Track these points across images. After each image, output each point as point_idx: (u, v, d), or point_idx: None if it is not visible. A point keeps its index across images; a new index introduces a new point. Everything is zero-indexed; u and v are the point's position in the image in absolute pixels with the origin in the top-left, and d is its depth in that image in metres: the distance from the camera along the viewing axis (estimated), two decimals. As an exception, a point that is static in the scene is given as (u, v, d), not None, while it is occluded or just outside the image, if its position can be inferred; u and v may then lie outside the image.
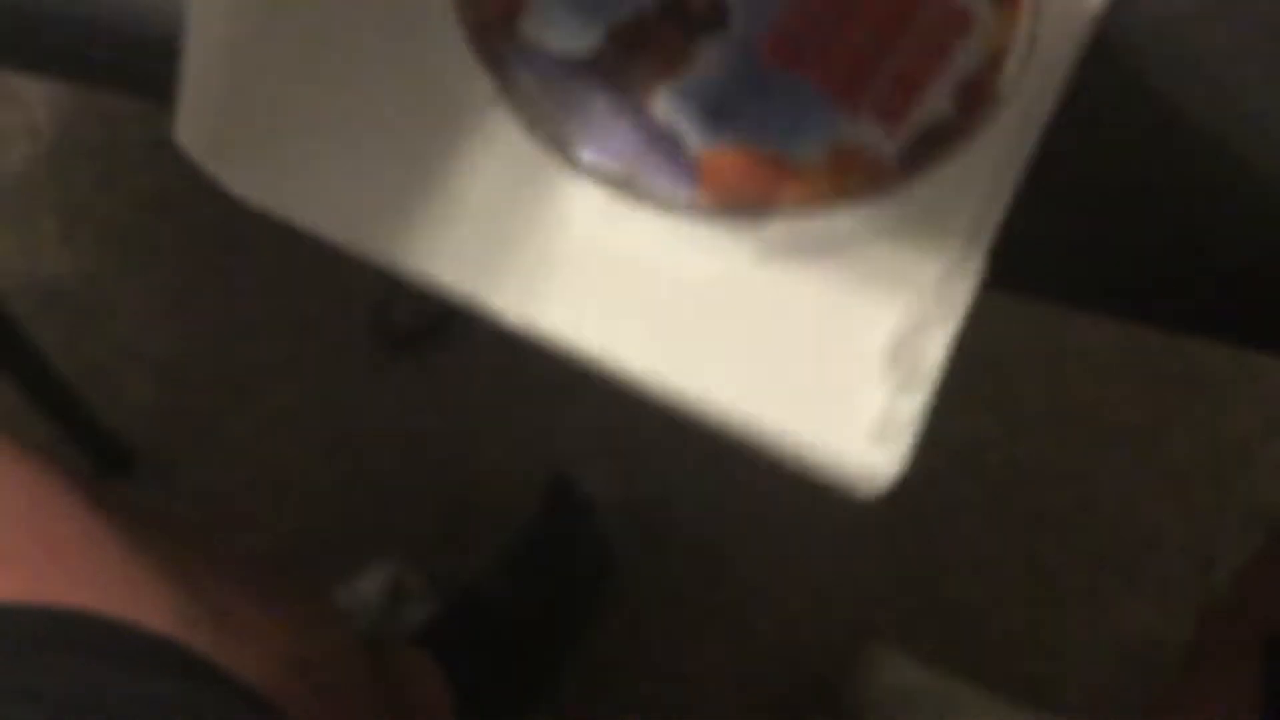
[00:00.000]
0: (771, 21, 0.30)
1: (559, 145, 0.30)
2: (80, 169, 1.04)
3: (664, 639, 0.94)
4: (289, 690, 0.49)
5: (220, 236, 1.01)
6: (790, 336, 0.29)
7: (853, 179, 0.29)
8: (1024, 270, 0.31)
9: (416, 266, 0.29)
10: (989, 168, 0.29)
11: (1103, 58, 0.30)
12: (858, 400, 0.28)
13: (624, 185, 0.29)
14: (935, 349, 0.28)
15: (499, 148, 0.29)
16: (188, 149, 0.29)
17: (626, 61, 0.30)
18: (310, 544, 0.94)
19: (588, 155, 0.30)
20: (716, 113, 0.30)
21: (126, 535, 0.45)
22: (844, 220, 0.29)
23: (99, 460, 0.92)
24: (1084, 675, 0.97)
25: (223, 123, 0.29)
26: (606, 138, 0.29)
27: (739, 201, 0.29)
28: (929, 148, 0.29)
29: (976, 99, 0.29)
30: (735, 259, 0.29)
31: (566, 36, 0.30)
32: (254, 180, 0.29)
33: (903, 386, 0.28)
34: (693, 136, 0.30)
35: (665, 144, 0.29)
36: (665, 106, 0.30)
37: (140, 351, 1.00)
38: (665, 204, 0.29)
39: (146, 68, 0.31)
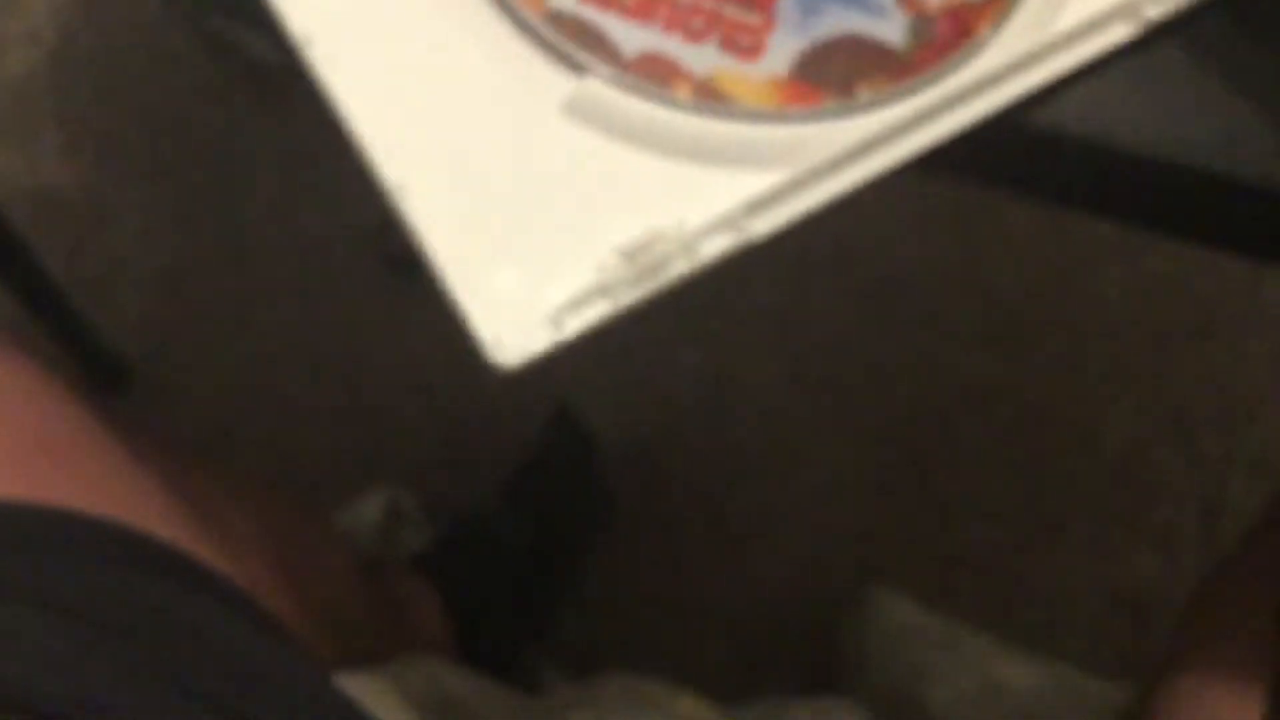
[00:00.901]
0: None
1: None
2: (81, 79, 1.02)
3: (662, 577, 0.94)
4: (287, 604, 0.49)
5: (222, 155, 0.99)
6: (538, 186, 0.28)
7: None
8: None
9: None
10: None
11: None
12: (554, 275, 0.27)
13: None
14: (663, 276, 0.27)
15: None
16: None
17: None
18: (310, 466, 0.93)
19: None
20: None
21: (128, 445, 0.45)
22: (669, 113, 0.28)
23: (97, 376, 0.91)
24: (1083, 623, 0.97)
25: None
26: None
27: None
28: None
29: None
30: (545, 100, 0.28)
31: None
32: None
33: (605, 290, 0.27)
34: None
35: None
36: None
37: (140, 267, 0.98)
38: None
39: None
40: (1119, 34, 0.29)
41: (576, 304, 0.27)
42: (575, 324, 0.27)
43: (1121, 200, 0.33)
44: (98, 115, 1.02)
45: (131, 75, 1.02)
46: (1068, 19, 0.29)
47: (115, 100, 1.02)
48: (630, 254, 0.27)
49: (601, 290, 0.27)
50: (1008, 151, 0.31)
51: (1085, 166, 0.31)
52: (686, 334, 0.98)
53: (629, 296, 0.27)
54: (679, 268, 0.27)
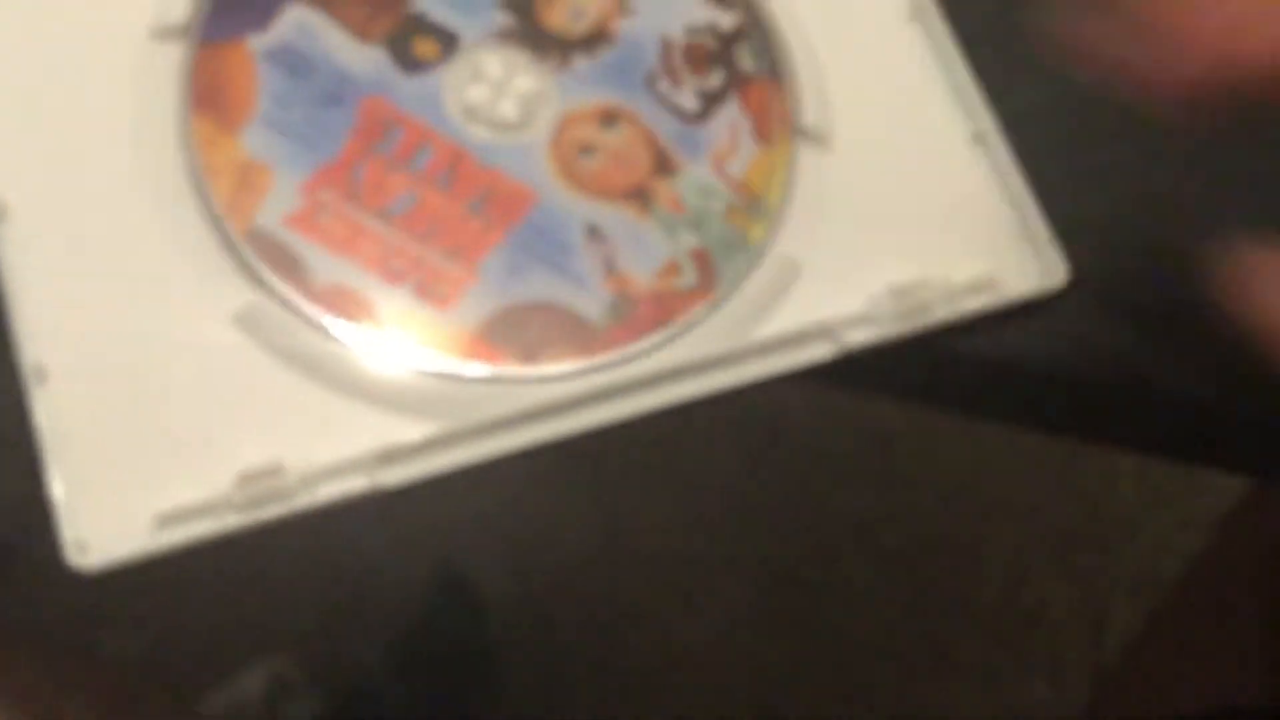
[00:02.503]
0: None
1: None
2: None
3: (558, 727, 0.93)
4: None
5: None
6: (185, 392, 0.28)
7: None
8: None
9: None
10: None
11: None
12: (166, 484, 0.27)
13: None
14: (274, 509, 0.27)
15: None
16: None
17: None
18: (188, 643, 0.92)
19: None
20: None
21: None
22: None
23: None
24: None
25: None
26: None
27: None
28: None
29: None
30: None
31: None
32: None
33: (211, 509, 0.27)
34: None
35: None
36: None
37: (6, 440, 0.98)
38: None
39: None
40: (818, 353, 0.30)
41: (178, 518, 0.27)
42: (172, 538, 0.27)
43: (1053, 418, 0.34)
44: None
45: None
46: (770, 329, 0.30)
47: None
48: (246, 479, 0.27)
49: (207, 509, 0.27)
50: (933, 375, 0.32)
51: (1010, 389, 0.32)
52: (574, 480, 0.99)
53: (234, 521, 0.27)
54: (290, 503, 0.27)
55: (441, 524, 0.96)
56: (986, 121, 0.32)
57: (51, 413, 0.27)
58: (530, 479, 0.97)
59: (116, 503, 0.27)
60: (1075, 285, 0.31)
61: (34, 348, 0.28)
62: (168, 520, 0.27)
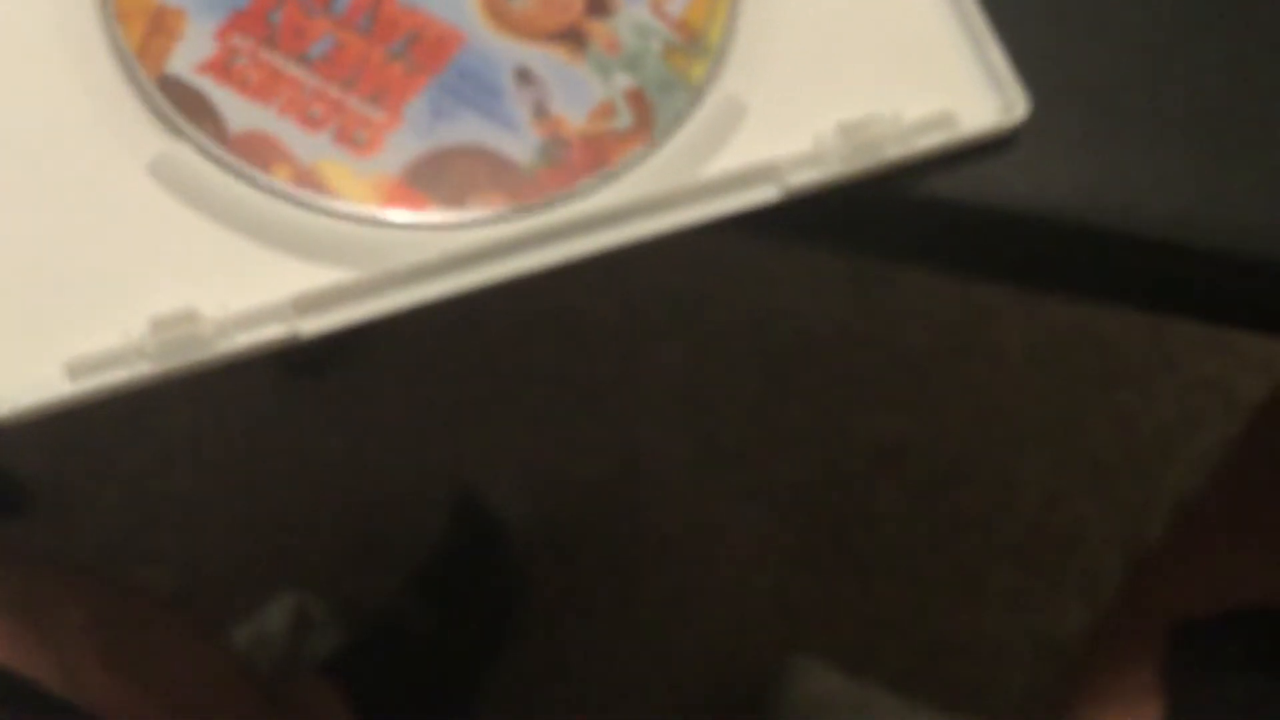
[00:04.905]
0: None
1: None
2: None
3: (581, 656, 0.93)
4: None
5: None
6: (98, 239, 0.27)
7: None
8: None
9: None
10: None
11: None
12: (79, 330, 0.27)
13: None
14: (189, 355, 0.26)
15: None
16: None
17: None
18: (214, 575, 0.93)
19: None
20: None
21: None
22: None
23: (-4, 499, 0.91)
24: (1011, 676, 0.96)
25: None
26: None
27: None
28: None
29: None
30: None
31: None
32: None
33: (122, 357, 0.26)
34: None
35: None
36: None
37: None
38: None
39: None
40: (763, 195, 0.29)
41: (93, 366, 0.26)
42: (84, 386, 0.26)
43: (1015, 264, 0.32)
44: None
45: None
46: (712, 169, 0.29)
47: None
48: (160, 325, 0.26)
49: (119, 357, 0.26)
50: (892, 222, 0.31)
51: (971, 233, 0.31)
52: (591, 410, 0.98)
53: (145, 368, 0.26)
54: (207, 350, 0.26)
55: (461, 456, 0.96)
56: (943, -47, 0.31)
57: None
58: (548, 412, 0.96)
59: (24, 352, 0.26)
60: (1036, 120, 0.29)
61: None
62: (79, 369, 0.26)
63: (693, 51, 0.30)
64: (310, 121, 0.28)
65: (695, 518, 0.97)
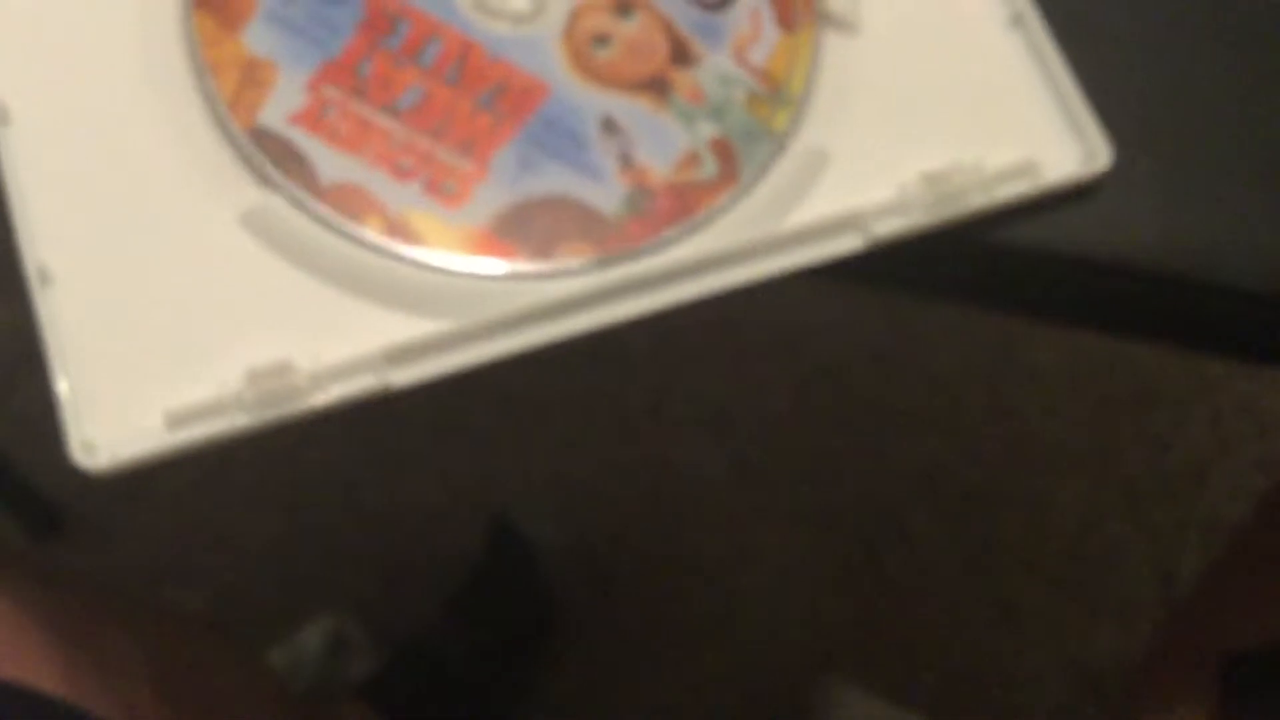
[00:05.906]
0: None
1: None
2: None
3: (615, 683, 0.93)
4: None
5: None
6: (191, 291, 0.28)
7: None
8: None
9: None
10: None
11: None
12: (175, 383, 0.27)
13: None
14: (284, 408, 0.26)
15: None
16: None
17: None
18: (249, 599, 0.93)
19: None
20: None
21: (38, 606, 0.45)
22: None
23: (29, 522, 0.91)
24: (1048, 701, 0.95)
25: None
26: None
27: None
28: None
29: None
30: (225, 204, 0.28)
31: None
32: None
33: (220, 408, 0.26)
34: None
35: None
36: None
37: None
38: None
39: None
40: (847, 244, 0.29)
41: (191, 416, 0.26)
42: (182, 437, 0.26)
43: (1094, 311, 0.32)
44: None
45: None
46: (796, 218, 0.29)
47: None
48: (256, 377, 0.26)
49: (216, 408, 0.26)
50: (971, 269, 0.31)
51: (1050, 281, 0.31)
52: (625, 433, 0.98)
53: (243, 420, 0.26)
54: (301, 403, 0.26)
55: (496, 479, 0.96)
56: (1023, 2, 0.31)
57: (55, 314, 0.27)
58: (583, 435, 0.96)
59: (124, 403, 0.27)
60: (1117, 168, 0.29)
61: (37, 250, 0.27)
62: (177, 420, 0.26)
63: (776, 101, 0.30)
64: (400, 172, 0.28)
65: (729, 540, 0.97)
